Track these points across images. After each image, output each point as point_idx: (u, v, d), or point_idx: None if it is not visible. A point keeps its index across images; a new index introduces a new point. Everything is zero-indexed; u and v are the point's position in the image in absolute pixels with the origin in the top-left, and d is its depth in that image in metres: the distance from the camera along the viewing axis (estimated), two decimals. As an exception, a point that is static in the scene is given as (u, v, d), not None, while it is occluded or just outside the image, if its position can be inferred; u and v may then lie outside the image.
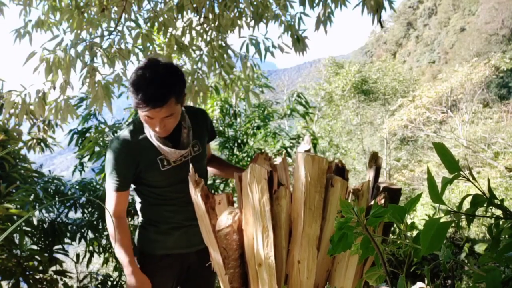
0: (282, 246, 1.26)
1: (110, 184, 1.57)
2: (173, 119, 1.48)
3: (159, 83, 1.39)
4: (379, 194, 1.31)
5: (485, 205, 0.69)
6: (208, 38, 2.91)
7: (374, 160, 1.43)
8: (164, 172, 1.61)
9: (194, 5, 2.64)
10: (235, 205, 1.43)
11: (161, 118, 1.43)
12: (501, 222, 0.71)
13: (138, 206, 1.76)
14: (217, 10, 2.85)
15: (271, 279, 1.22)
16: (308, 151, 1.36)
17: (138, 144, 1.57)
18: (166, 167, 1.61)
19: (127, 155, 1.56)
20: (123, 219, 1.60)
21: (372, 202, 1.36)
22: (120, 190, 1.57)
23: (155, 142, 1.55)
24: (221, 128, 4.59)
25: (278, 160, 1.44)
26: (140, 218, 1.77)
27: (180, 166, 1.62)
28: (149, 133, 1.55)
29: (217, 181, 4.10)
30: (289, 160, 3.92)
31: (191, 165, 1.42)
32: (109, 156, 1.57)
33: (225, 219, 1.28)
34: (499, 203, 0.69)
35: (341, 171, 1.38)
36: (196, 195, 1.34)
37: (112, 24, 2.77)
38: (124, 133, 1.59)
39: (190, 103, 2.91)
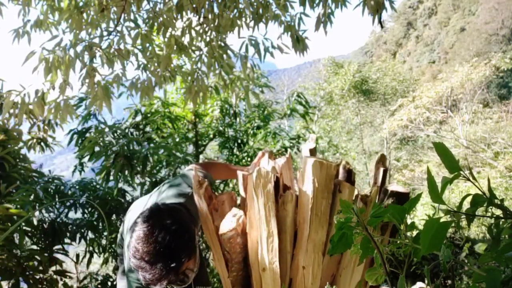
0: (287, 251, 1.25)
1: None
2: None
3: (167, 258, 1.17)
4: (387, 198, 1.28)
5: (485, 205, 0.69)
6: (208, 38, 2.91)
7: (382, 162, 1.39)
8: None
9: (194, 5, 2.64)
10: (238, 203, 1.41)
11: None
12: (501, 222, 0.71)
13: None
14: (216, 10, 2.84)
15: (275, 284, 1.21)
16: (313, 149, 1.34)
17: None
18: None
19: None
20: None
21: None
22: None
23: None
24: (221, 128, 4.59)
25: (282, 160, 1.43)
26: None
27: None
28: None
29: (217, 181, 4.10)
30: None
31: (194, 165, 1.41)
32: None
33: (229, 222, 1.26)
34: (499, 203, 0.69)
35: (347, 174, 1.34)
36: (199, 197, 1.32)
37: (112, 24, 2.76)
38: None
39: (190, 103, 2.91)
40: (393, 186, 1.32)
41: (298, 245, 1.24)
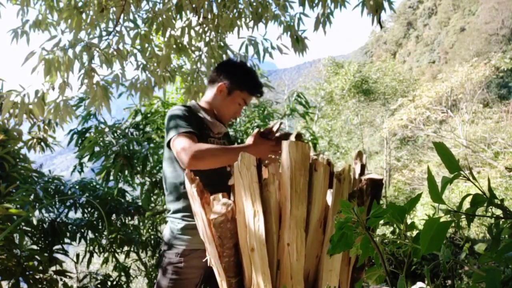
0: (273, 232, 1.31)
1: (182, 130, 1.63)
2: None
3: None
4: (361, 183, 1.41)
5: (485, 205, 0.69)
6: (207, 39, 2.91)
7: (359, 158, 1.54)
8: (210, 142, 1.77)
9: (193, 6, 2.64)
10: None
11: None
12: (501, 222, 0.71)
13: (169, 198, 1.78)
14: (216, 11, 2.84)
15: (263, 263, 1.27)
16: None
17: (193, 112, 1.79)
18: (212, 138, 1.80)
19: (190, 113, 1.75)
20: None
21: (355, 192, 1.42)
22: (193, 133, 1.65)
23: (203, 115, 1.80)
24: (221, 128, 4.58)
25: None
26: (171, 211, 1.77)
27: (220, 144, 1.83)
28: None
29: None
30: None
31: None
32: (174, 114, 1.70)
33: (219, 208, 1.34)
34: (499, 202, 0.69)
35: (327, 163, 1.44)
36: (192, 191, 1.39)
37: (111, 24, 2.76)
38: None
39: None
40: (369, 175, 1.45)
41: (282, 224, 1.32)
